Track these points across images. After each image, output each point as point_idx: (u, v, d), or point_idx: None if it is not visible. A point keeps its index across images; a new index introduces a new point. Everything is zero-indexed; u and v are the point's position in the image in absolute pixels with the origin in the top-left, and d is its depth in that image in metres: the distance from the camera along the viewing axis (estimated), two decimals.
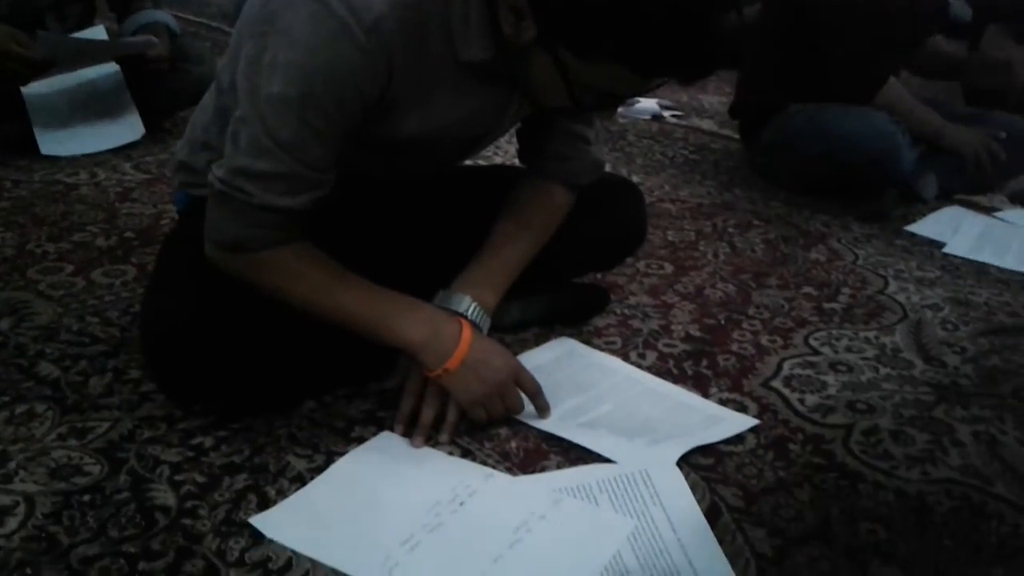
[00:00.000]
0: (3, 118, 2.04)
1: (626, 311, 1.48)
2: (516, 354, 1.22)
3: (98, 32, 2.16)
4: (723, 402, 1.23)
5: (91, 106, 2.11)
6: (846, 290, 1.65)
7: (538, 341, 1.35)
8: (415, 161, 1.17)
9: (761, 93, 2.17)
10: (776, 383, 1.29)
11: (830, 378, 1.32)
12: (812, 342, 1.43)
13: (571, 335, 1.37)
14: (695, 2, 0.86)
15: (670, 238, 1.84)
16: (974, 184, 2.23)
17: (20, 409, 1.09)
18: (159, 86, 2.16)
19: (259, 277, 1.06)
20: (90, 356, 1.23)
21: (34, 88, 2.02)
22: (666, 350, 1.37)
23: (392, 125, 1.05)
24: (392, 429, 1.10)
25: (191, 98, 2.28)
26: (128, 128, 2.14)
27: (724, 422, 1.16)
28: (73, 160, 2.01)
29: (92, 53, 2.07)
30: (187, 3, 4.43)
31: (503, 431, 1.12)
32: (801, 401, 1.25)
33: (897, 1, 2.01)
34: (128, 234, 1.64)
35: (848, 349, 1.42)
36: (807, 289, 1.64)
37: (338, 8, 0.93)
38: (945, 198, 2.21)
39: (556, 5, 0.90)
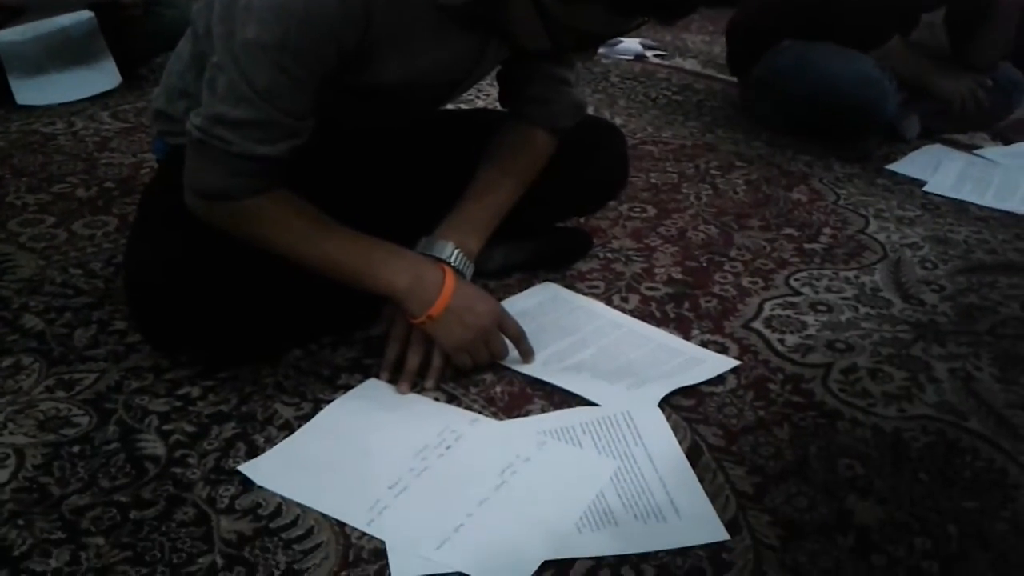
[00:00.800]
0: None
1: (609, 255, 1.49)
2: (500, 299, 1.22)
3: None
4: (704, 344, 1.24)
5: (66, 54, 2.08)
6: (827, 230, 1.66)
7: (521, 286, 1.36)
8: (395, 107, 1.16)
9: (759, 18, 2.14)
10: (757, 324, 1.31)
11: (810, 318, 1.33)
12: (793, 283, 1.45)
13: (555, 280, 1.38)
14: None
15: (653, 180, 1.84)
16: (956, 126, 2.24)
17: (6, 362, 1.10)
18: (133, 31, 2.12)
19: (240, 226, 1.06)
20: (74, 308, 1.23)
21: (7, 36, 1.98)
22: (649, 293, 1.38)
23: (371, 71, 1.04)
24: (378, 376, 1.11)
25: (166, 42, 2.23)
26: (104, 76, 2.11)
27: (705, 363, 1.18)
28: (50, 109, 1.98)
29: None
30: None
31: (488, 376, 1.13)
32: (781, 342, 1.26)
33: None
34: (108, 184, 1.63)
35: (828, 289, 1.43)
36: (788, 230, 1.65)
37: None
38: (927, 137, 2.22)
39: None
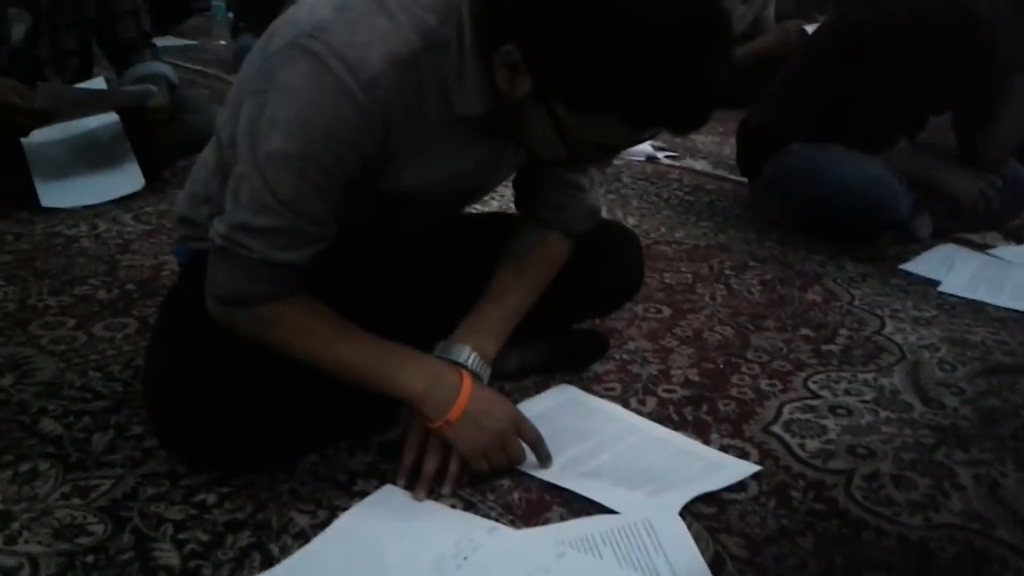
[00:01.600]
0: (4, 169, 2.06)
1: (625, 356, 1.49)
2: (516, 402, 1.22)
3: (98, 83, 2.19)
4: (724, 448, 1.23)
5: (91, 157, 2.13)
6: (843, 331, 1.66)
7: (538, 388, 1.36)
8: (413, 212, 1.18)
9: (769, 121, 2.18)
10: (776, 428, 1.29)
11: (830, 422, 1.32)
12: (811, 385, 1.44)
13: (571, 382, 1.38)
14: (686, 54, 0.88)
15: (667, 281, 1.85)
16: (968, 226, 2.26)
17: (23, 468, 1.09)
18: (158, 136, 2.18)
19: (260, 331, 1.07)
20: (93, 412, 1.23)
21: (34, 139, 2.03)
22: (666, 395, 1.37)
23: (390, 178, 1.06)
24: (395, 482, 1.10)
25: (190, 148, 2.32)
26: (128, 179, 2.15)
27: (726, 469, 1.16)
28: (73, 212, 2.02)
29: (92, 103, 2.09)
30: (184, 51, 4.48)
31: (505, 482, 1.12)
32: (802, 446, 1.25)
33: (951, 67, 1.99)
34: (129, 286, 1.65)
35: (847, 392, 1.42)
36: (805, 331, 1.65)
37: (336, 66, 0.95)
38: (939, 236, 2.23)
39: (550, 60, 0.92)
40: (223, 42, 4.66)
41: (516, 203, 1.32)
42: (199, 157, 1.34)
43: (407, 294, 1.27)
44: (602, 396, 1.35)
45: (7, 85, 1.91)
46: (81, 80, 2.22)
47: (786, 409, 1.35)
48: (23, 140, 2.03)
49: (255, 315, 1.06)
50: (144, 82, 2.19)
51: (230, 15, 4.82)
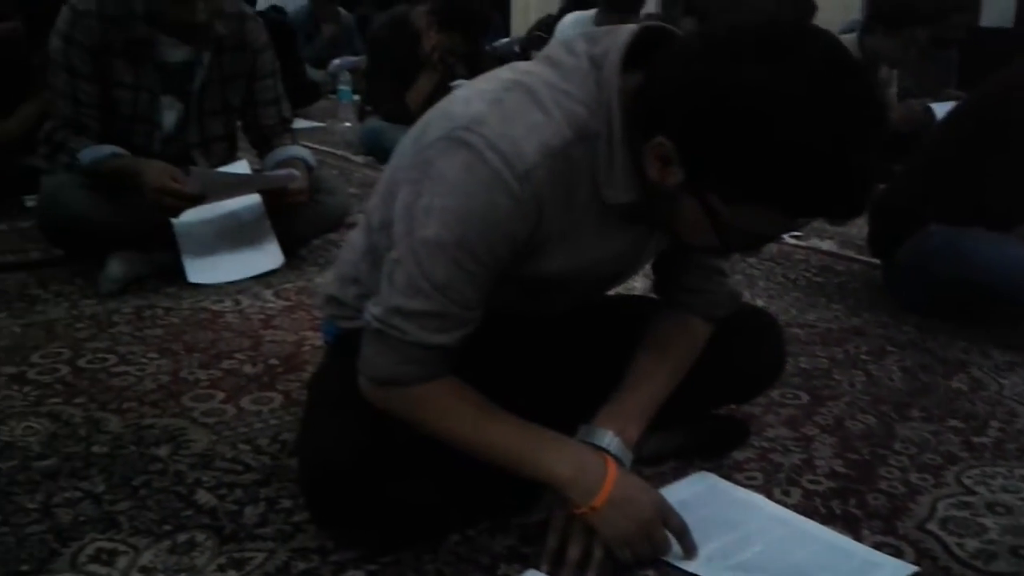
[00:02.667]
0: (155, 247, 2.18)
1: (764, 444, 1.46)
2: (654, 488, 1.20)
3: (242, 166, 2.32)
4: (877, 546, 1.18)
5: (234, 236, 2.24)
6: (994, 423, 1.58)
7: (676, 474, 1.34)
8: (555, 296, 1.20)
9: (903, 201, 2.13)
10: (932, 526, 1.23)
11: (988, 520, 1.25)
12: (965, 480, 1.37)
13: (710, 469, 1.35)
14: (845, 146, 0.88)
15: (803, 365, 1.80)
16: None
17: (181, 538, 1.13)
18: (297, 216, 2.28)
19: (410, 411, 1.09)
20: (244, 485, 1.27)
21: (184, 218, 2.15)
22: (811, 487, 1.33)
23: (537, 263, 1.08)
24: (537, 567, 1.10)
25: (326, 227, 2.42)
26: (268, 256, 2.25)
27: (882, 568, 1.11)
28: (218, 287, 2.12)
29: (239, 187, 2.21)
30: (312, 132, 4.69)
31: (649, 572, 1.10)
32: (960, 546, 1.19)
33: None
34: (273, 361, 1.71)
35: (1004, 489, 1.35)
36: (953, 422, 1.58)
37: (492, 158, 0.98)
38: None
39: (706, 153, 0.93)
40: (348, 124, 4.85)
41: (655, 286, 1.32)
42: (347, 239, 1.39)
43: (546, 376, 1.28)
44: (743, 485, 1.32)
45: (163, 169, 2.04)
46: (226, 162, 2.36)
47: (940, 505, 1.29)
48: (173, 220, 2.16)
49: (406, 395, 1.09)
50: (284, 165, 2.31)
51: (356, 98, 5.04)
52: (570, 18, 4.36)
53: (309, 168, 2.35)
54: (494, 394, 1.12)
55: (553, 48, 1.08)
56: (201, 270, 2.17)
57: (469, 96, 1.06)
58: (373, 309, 1.09)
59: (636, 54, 1.02)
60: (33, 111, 2.77)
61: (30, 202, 2.82)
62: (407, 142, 1.17)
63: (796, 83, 0.86)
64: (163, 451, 1.36)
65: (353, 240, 1.34)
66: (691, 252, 1.22)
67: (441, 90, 3.83)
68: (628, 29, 1.04)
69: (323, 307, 1.39)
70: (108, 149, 2.09)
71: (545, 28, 5.63)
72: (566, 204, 1.03)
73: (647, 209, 1.05)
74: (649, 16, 4.40)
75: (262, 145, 2.41)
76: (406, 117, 3.76)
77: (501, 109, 1.01)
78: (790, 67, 0.87)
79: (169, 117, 2.24)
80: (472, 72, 4.06)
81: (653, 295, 1.34)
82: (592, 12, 4.36)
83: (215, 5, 2.07)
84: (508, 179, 0.98)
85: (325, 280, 1.38)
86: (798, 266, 2.53)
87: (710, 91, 0.89)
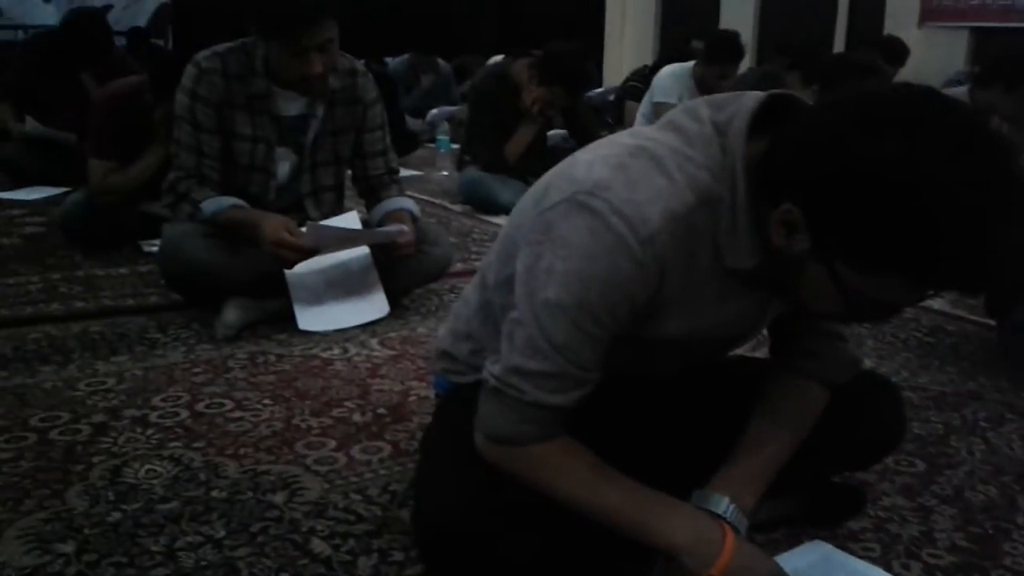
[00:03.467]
0: (267, 294, 2.26)
1: (880, 513, 1.41)
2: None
3: (351, 218, 2.39)
4: None
5: (343, 285, 2.30)
6: None
7: (789, 542, 1.31)
8: (672, 357, 1.20)
9: (1019, 269, 2.06)
10: None
11: None
12: None
13: (824, 538, 1.32)
14: (983, 218, 0.86)
15: (917, 431, 1.75)
16: None
17: None
18: (402, 267, 2.33)
19: (526, 470, 1.10)
20: (356, 535, 1.29)
21: (296, 269, 2.22)
22: (932, 560, 1.28)
23: (655, 326, 1.08)
24: None
25: (429, 278, 2.47)
26: (374, 306, 2.31)
27: None
28: (326, 335, 2.18)
29: (351, 241, 2.27)
30: (410, 181, 4.80)
31: None
32: None
33: None
34: (381, 410, 1.74)
35: None
36: None
37: (616, 222, 0.99)
38: None
39: (836, 222, 0.92)
40: (445, 173, 4.95)
41: (772, 349, 1.30)
42: (461, 295, 1.41)
43: (659, 437, 1.28)
44: (859, 556, 1.28)
45: (280, 223, 2.12)
46: (336, 211, 2.44)
47: None
48: (285, 270, 2.23)
49: (522, 454, 1.10)
50: (391, 216, 2.37)
51: (454, 146, 5.14)
52: (668, 70, 4.39)
53: (414, 219, 2.41)
54: (607, 454, 1.12)
55: (676, 114, 1.09)
56: (311, 318, 2.23)
57: (591, 161, 1.08)
58: (492, 368, 1.11)
59: (760, 121, 1.03)
60: (153, 161, 2.92)
61: (148, 247, 2.96)
62: (526, 203, 1.19)
63: (936, 154, 0.85)
64: (279, 498, 1.39)
65: (467, 296, 1.36)
66: (811, 316, 1.20)
67: (539, 141, 3.89)
68: (754, 96, 1.05)
69: (435, 361, 1.42)
70: (228, 201, 2.18)
71: (640, 78, 5.67)
72: (687, 268, 1.03)
73: (769, 274, 1.05)
74: (751, 70, 4.38)
75: (369, 195, 2.49)
76: (504, 167, 3.85)
77: (625, 174, 1.02)
78: (929, 137, 0.85)
79: (283, 168, 2.33)
80: (569, 123, 4.12)
81: (769, 356, 1.32)
82: (690, 64, 4.39)
83: (330, 61, 2.15)
84: (631, 244, 0.99)
85: (438, 334, 1.39)
86: (908, 325, 2.46)
87: (843, 159, 0.89)
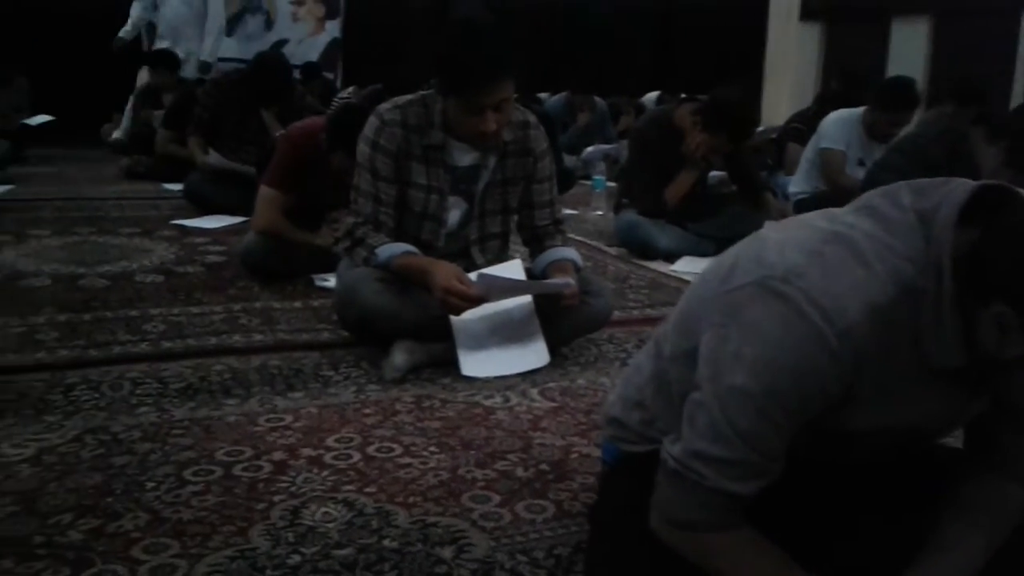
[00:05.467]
0: (432, 339, 2.32)
1: None
2: None
3: (515, 266, 2.43)
4: None
5: (505, 333, 2.34)
6: None
7: None
8: (859, 449, 1.16)
9: None
10: None
11: None
12: None
13: None
14: None
15: None
16: None
17: None
18: (563, 317, 2.35)
19: (704, 557, 1.09)
20: None
21: (464, 315, 2.27)
22: None
23: (844, 418, 1.05)
24: None
25: (590, 328, 2.48)
26: (535, 355, 2.33)
27: None
28: (487, 382, 2.22)
29: (518, 291, 2.31)
30: (565, 220, 4.84)
31: None
32: None
33: None
34: (543, 467, 1.76)
35: None
36: None
37: (811, 312, 0.97)
38: None
39: None
40: (600, 212, 4.98)
41: (967, 443, 1.24)
42: (632, 362, 1.41)
43: (841, 529, 1.23)
44: None
45: (451, 271, 2.19)
46: (500, 258, 2.49)
47: None
48: (451, 317, 2.29)
49: (701, 541, 1.09)
50: (555, 266, 2.40)
51: (609, 185, 5.16)
52: (836, 116, 4.26)
53: (577, 269, 2.43)
54: (785, 544, 1.10)
55: (874, 199, 1.06)
56: (474, 364, 2.28)
57: (782, 243, 1.06)
58: (671, 448, 1.10)
59: (968, 209, 0.99)
60: (318, 246, 3.12)
61: (319, 281, 3.11)
62: (709, 279, 1.18)
63: None
64: (447, 553, 1.43)
65: (639, 363, 1.36)
66: (1016, 414, 1.14)
67: (699, 186, 3.85)
68: (963, 185, 1.01)
69: (605, 427, 1.42)
70: (401, 247, 2.27)
71: (804, 120, 5.52)
72: (884, 363, 1.00)
73: (976, 374, 1.00)
74: (926, 119, 4.19)
75: (534, 244, 2.53)
76: (663, 212, 3.82)
77: (821, 262, 1.00)
78: None
79: (454, 215, 2.41)
80: (730, 166, 4.06)
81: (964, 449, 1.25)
82: (860, 110, 4.24)
83: (505, 119, 2.21)
84: (827, 336, 0.97)
85: (608, 399, 1.40)
86: None
87: None
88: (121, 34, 7.13)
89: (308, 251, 3.13)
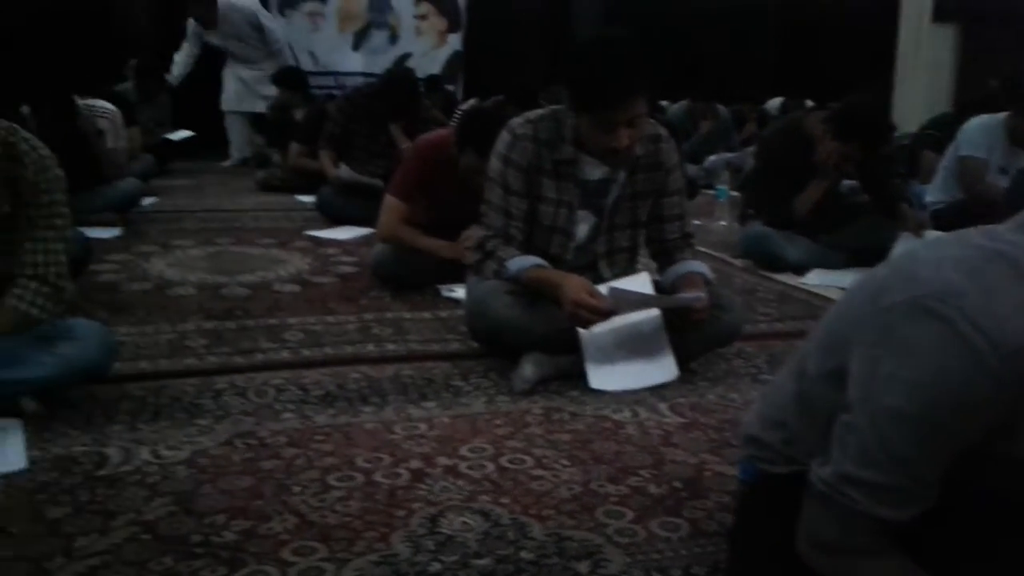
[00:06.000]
0: (560, 351, 2.33)
1: None
2: None
3: (643, 280, 2.42)
4: None
5: (633, 346, 2.33)
6: None
7: None
8: (1013, 477, 1.11)
9: None
10: None
11: None
12: None
13: None
14: None
15: None
16: None
17: None
18: (693, 331, 2.33)
19: None
20: None
21: (594, 329, 2.28)
22: None
23: (1007, 444, 1.01)
24: None
25: (719, 343, 2.45)
26: (663, 369, 2.32)
27: None
28: (616, 395, 2.22)
29: (648, 305, 2.30)
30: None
31: None
32: None
33: None
34: (676, 484, 1.75)
35: None
36: None
37: (971, 334, 0.94)
38: None
39: None
40: (724, 222, 4.90)
41: None
42: (775, 380, 1.39)
43: (996, 561, 1.18)
44: None
45: (580, 284, 2.20)
46: (627, 272, 2.49)
47: None
48: (579, 330, 2.30)
49: (848, 565, 1.07)
50: (684, 280, 2.38)
51: (733, 194, 5.08)
52: (976, 122, 4.08)
53: (707, 282, 2.40)
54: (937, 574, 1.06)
55: None
56: (602, 377, 2.28)
57: (938, 261, 1.03)
58: (820, 471, 1.09)
59: None
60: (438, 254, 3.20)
61: (446, 292, 3.18)
62: (858, 297, 1.16)
63: None
64: (583, 567, 1.44)
65: (781, 382, 1.34)
66: None
67: (830, 196, 3.75)
68: None
69: (742, 446, 1.40)
70: (532, 260, 2.30)
71: (939, 127, 5.31)
72: None
73: None
74: None
75: (662, 257, 2.52)
76: (792, 223, 3.74)
77: (981, 281, 0.97)
78: None
79: (582, 229, 2.42)
80: (863, 175, 3.93)
81: None
82: (1001, 116, 4.05)
83: (637, 135, 2.21)
84: (990, 359, 0.94)
85: (746, 417, 1.38)
86: None
87: None
88: (172, 79, 7.17)
89: (435, 260, 3.20)
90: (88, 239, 3.47)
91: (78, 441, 1.88)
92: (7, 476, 1.71)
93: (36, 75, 4.54)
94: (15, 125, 2.08)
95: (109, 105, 4.76)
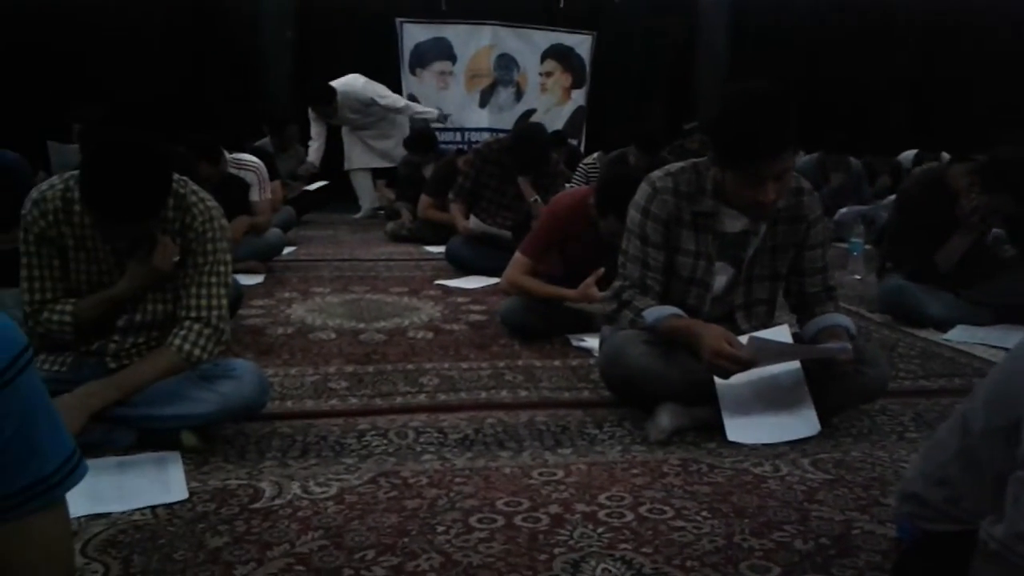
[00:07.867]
0: (696, 402, 2.31)
1: None
2: None
3: (783, 331, 2.38)
4: None
5: (772, 398, 2.29)
6: None
7: None
8: None
9: None
10: None
11: None
12: None
13: None
14: None
15: None
16: None
17: None
18: (836, 385, 2.27)
19: None
20: None
21: (732, 379, 2.26)
22: None
23: None
24: None
25: (863, 399, 2.38)
26: (804, 423, 2.26)
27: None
28: (754, 449, 2.18)
29: (789, 355, 2.27)
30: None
31: None
32: None
33: None
34: (824, 540, 1.70)
35: None
36: None
37: None
38: None
39: None
40: (858, 276, 4.77)
41: None
42: (935, 437, 1.35)
43: None
44: None
45: (720, 334, 2.18)
46: (766, 324, 2.45)
47: None
48: (717, 380, 2.28)
49: None
50: (827, 333, 2.33)
51: (866, 247, 4.94)
52: None
53: (851, 336, 2.34)
54: None
55: None
56: (739, 429, 2.25)
57: None
58: (992, 530, 1.05)
59: None
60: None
61: (576, 341, 3.20)
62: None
63: None
64: None
65: (942, 439, 1.31)
66: None
67: (975, 250, 3.60)
68: None
69: (900, 503, 1.37)
70: (669, 310, 2.30)
71: None
72: None
73: None
74: None
75: (802, 311, 2.47)
76: (934, 277, 3.61)
77: None
78: None
79: (720, 281, 2.41)
80: (1010, 227, 3.76)
81: None
82: None
83: (783, 188, 2.19)
84: None
85: (906, 474, 1.34)
86: None
87: None
88: (303, 170, 7.46)
89: (564, 310, 3.24)
90: (241, 285, 3.66)
91: (233, 475, 1.98)
92: (170, 506, 1.81)
93: (199, 130, 4.84)
94: (185, 178, 2.24)
95: (254, 159, 5.03)
